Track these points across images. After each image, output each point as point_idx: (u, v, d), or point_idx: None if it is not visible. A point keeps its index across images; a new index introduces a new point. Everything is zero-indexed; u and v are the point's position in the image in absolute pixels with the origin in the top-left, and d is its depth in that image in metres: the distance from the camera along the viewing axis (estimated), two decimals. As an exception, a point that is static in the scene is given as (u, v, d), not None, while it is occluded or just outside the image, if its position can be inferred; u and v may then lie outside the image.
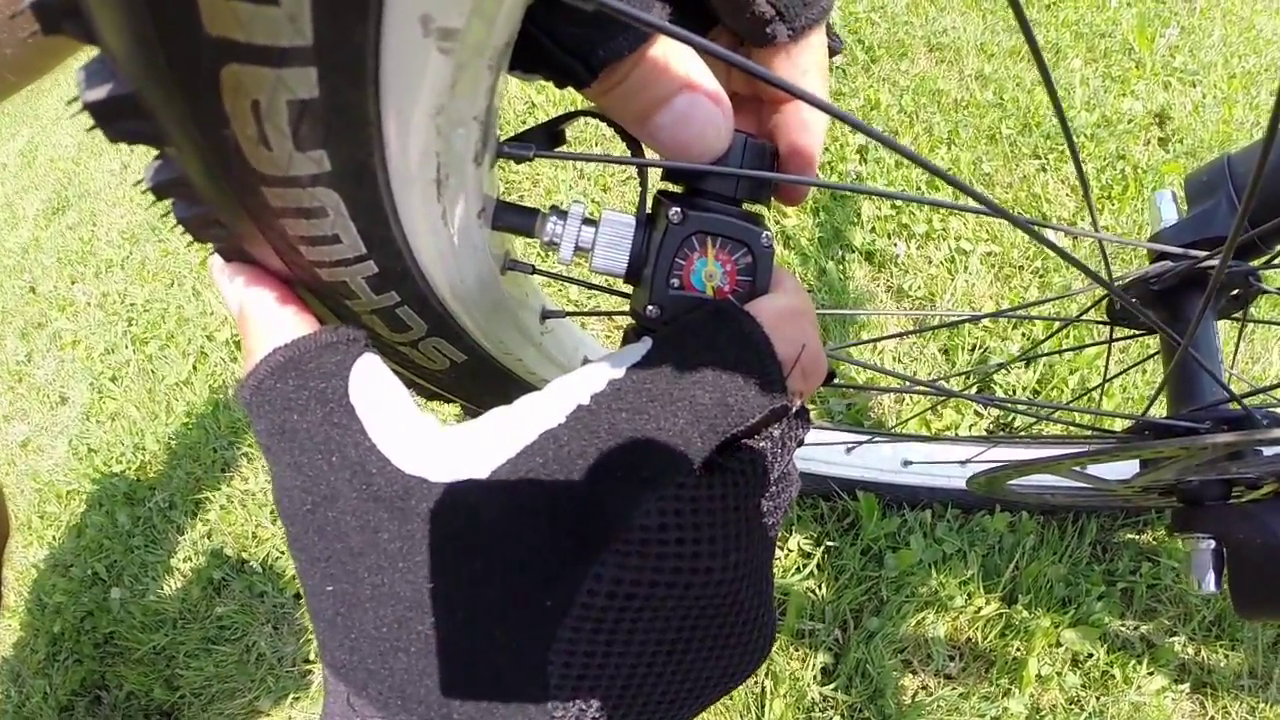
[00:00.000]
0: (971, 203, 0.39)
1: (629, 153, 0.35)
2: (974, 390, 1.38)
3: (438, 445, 0.30)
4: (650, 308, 0.34)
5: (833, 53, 0.36)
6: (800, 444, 0.32)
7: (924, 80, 1.79)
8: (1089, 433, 0.67)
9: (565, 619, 0.27)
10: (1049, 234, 1.45)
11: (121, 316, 2.01)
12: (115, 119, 0.23)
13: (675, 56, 0.30)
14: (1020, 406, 0.95)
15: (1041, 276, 1.47)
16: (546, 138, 0.36)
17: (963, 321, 1.38)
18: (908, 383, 0.63)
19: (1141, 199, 1.57)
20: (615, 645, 0.27)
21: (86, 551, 1.62)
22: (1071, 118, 1.70)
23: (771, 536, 0.31)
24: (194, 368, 1.81)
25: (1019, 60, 1.83)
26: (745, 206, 0.35)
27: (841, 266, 1.54)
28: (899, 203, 1.57)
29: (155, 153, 0.26)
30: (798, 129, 0.35)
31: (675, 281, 0.34)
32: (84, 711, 1.43)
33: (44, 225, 2.48)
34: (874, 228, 1.57)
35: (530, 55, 0.29)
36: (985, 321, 1.39)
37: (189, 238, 0.30)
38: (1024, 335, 1.40)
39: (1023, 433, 1.27)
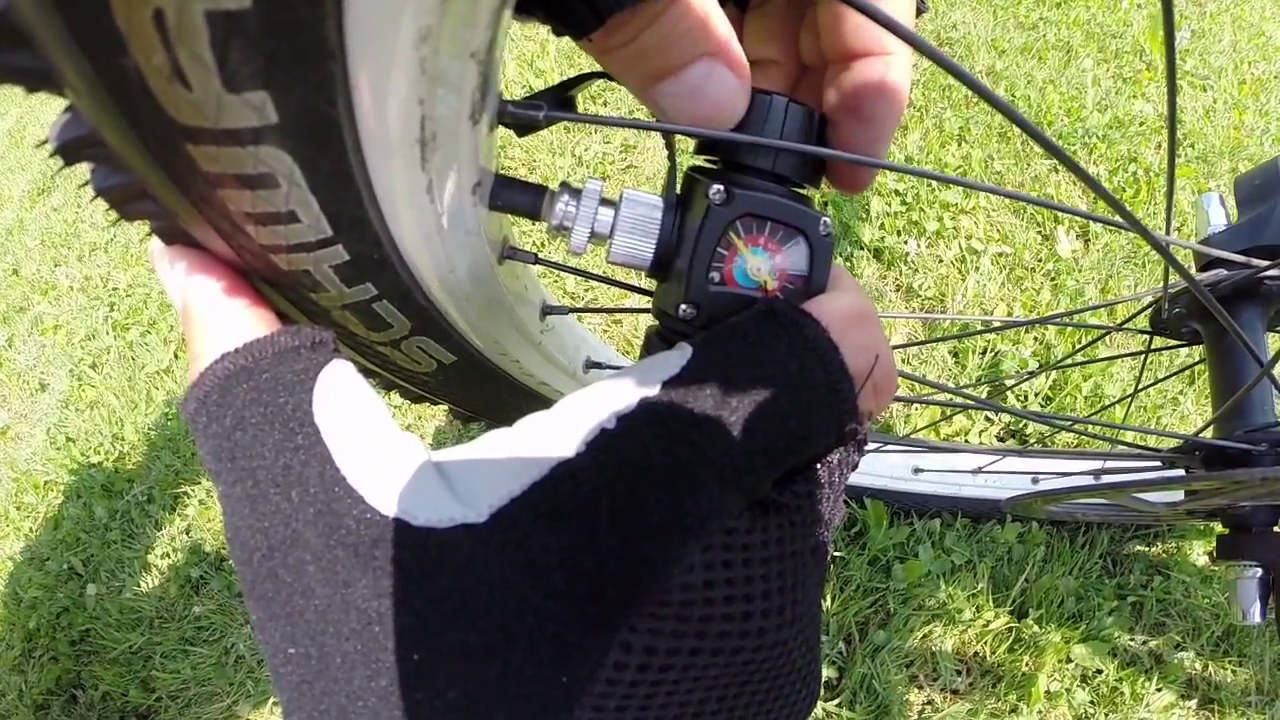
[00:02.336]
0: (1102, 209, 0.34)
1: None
2: (985, 396, 1.33)
3: (422, 478, 0.24)
4: (684, 307, 0.28)
5: (919, 12, 0.29)
6: (855, 468, 0.26)
7: (934, 75, 1.75)
8: (1127, 449, 0.63)
9: (585, 698, 0.22)
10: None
11: (104, 301, 1.95)
12: None
13: (697, 12, 0.24)
14: (1066, 423, 0.90)
15: (1053, 280, 1.43)
16: (556, 104, 0.29)
17: (1006, 327, 1.33)
18: (948, 392, 0.57)
19: (1154, 202, 1.54)
20: None
21: (63, 545, 1.57)
22: (1084, 118, 1.66)
23: (821, 575, 0.26)
24: (175, 356, 1.76)
25: (1030, 57, 1.79)
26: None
27: (849, 264, 1.49)
28: (909, 200, 1.52)
29: (65, 104, 0.20)
30: (875, 92, 0.28)
31: (715, 275, 0.28)
32: (59, 711, 1.38)
33: (29, 207, 2.42)
34: (883, 224, 1.52)
35: None
36: (997, 325, 1.35)
37: (114, 214, 0.24)
38: (1036, 340, 1.36)
39: (1043, 443, 1.22)
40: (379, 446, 0.25)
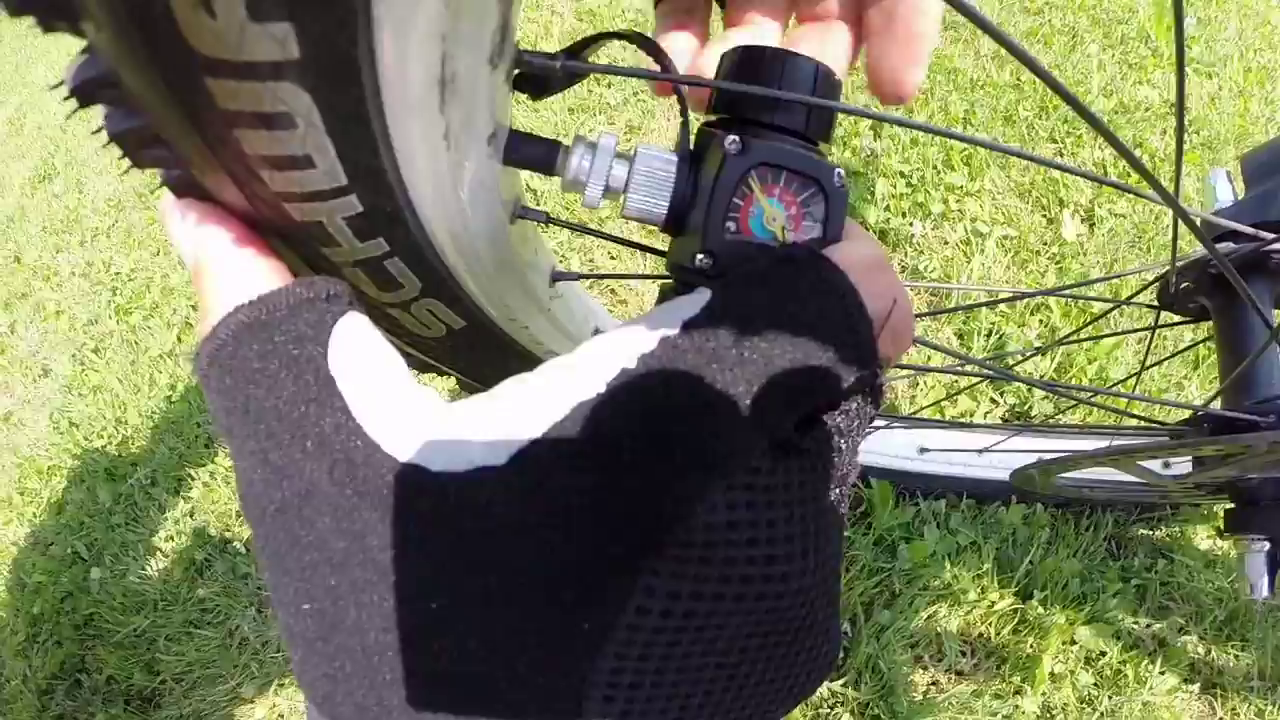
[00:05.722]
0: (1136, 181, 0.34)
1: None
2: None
3: (440, 425, 0.24)
4: (701, 257, 0.28)
5: None
6: (872, 420, 0.26)
7: (940, 58, 1.74)
8: (1135, 425, 0.63)
9: (607, 644, 0.21)
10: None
11: (106, 286, 1.95)
12: None
13: None
14: (1076, 392, 0.89)
15: (1058, 263, 1.43)
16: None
17: (1013, 299, 1.32)
18: (962, 362, 0.57)
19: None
20: (668, 674, 0.22)
21: (67, 529, 1.57)
22: (1089, 104, 1.65)
23: (841, 532, 0.25)
24: (178, 339, 1.76)
25: (1035, 43, 1.79)
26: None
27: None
28: (914, 181, 1.52)
29: (83, 45, 0.20)
30: (912, 10, 0.29)
31: (731, 225, 0.28)
32: (64, 695, 1.38)
33: (30, 194, 2.41)
34: (888, 206, 1.52)
35: None
36: (1002, 306, 1.34)
37: (127, 161, 0.23)
38: (1041, 322, 1.36)
39: (1051, 420, 1.22)
40: (395, 397, 0.24)
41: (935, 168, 1.56)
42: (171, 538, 1.48)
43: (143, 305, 1.85)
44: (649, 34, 0.31)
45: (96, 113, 0.22)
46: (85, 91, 0.21)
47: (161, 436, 1.62)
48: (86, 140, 2.50)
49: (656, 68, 0.30)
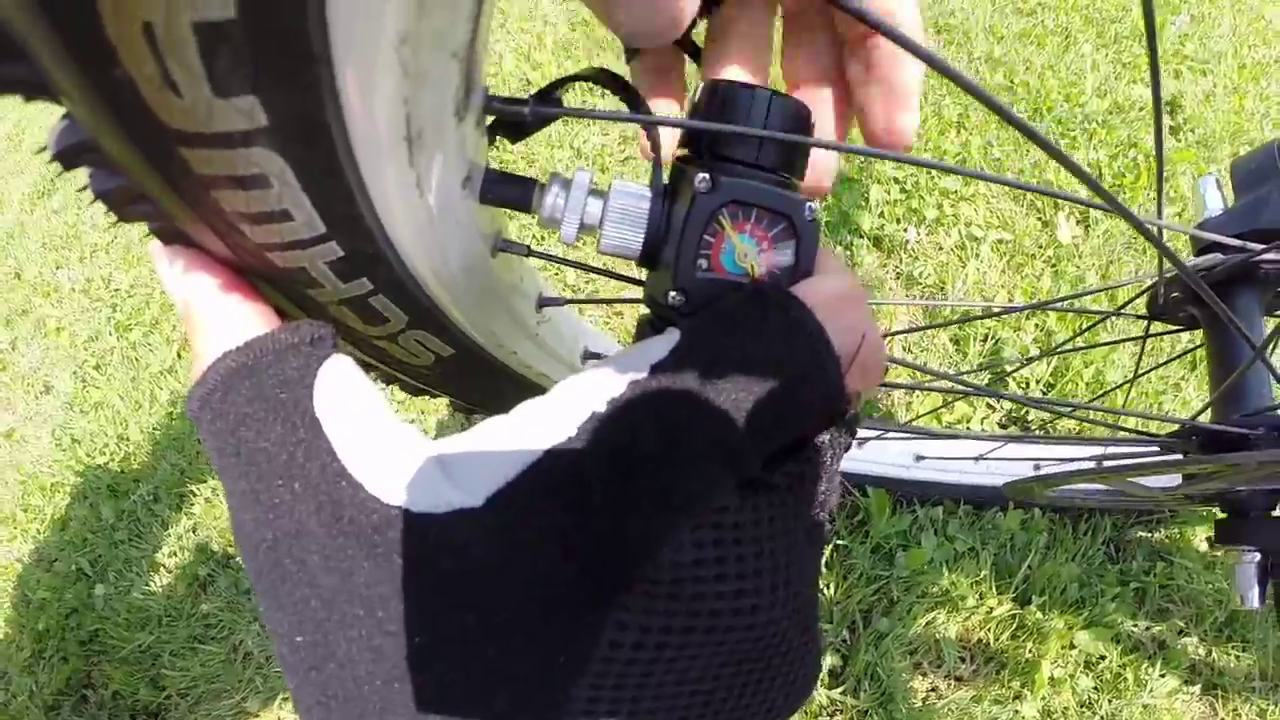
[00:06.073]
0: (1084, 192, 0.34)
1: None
2: (985, 382, 1.33)
3: (421, 468, 0.24)
4: (673, 294, 0.28)
5: None
6: (848, 449, 0.27)
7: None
8: (1128, 435, 0.63)
9: (582, 677, 0.22)
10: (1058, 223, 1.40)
11: (105, 302, 1.96)
12: None
13: None
14: (1065, 408, 0.90)
15: (1054, 266, 1.43)
16: (542, 102, 0.30)
17: (1005, 313, 1.33)
18: (953, 381, 0.58)
19: (1154, 187, 1.53)
20: (643, 702, 0.23)
21: (70, 546, 1.57)
22: (1083, 104, 1.66)
23: (817, 557, 0.27)
24: (178, 355, 1.76)
25: (1029, 43, 1.79)
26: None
27: (849, 252, 1.49)
28: (908, 187, 1.52)
29: (63, 111, 0.20)
30: (889, 62, 0.29)
31: (703, 263, 0.28)
32: (70, 711, 1.39)
33: (29, 209, 2.42)
34: (883, 212, 1.52)
35: None
36: (996, 311, 1.34)
37: (113, 216, 0.24)
38: (1037, 326, 1.36)
39: (1045, 429, 1.22)
40: (379, 438, 0.25)
41: (929, 172, 1.57)
42: (175, 553, 1.49)
43: (142, 322, 1.86)
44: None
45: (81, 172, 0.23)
46: (68, 156, 0.22)
47: (163, 453, 1.62)
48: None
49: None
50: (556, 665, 0.22)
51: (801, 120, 0.29)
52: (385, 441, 0.25)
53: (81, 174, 0.23)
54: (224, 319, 0.26)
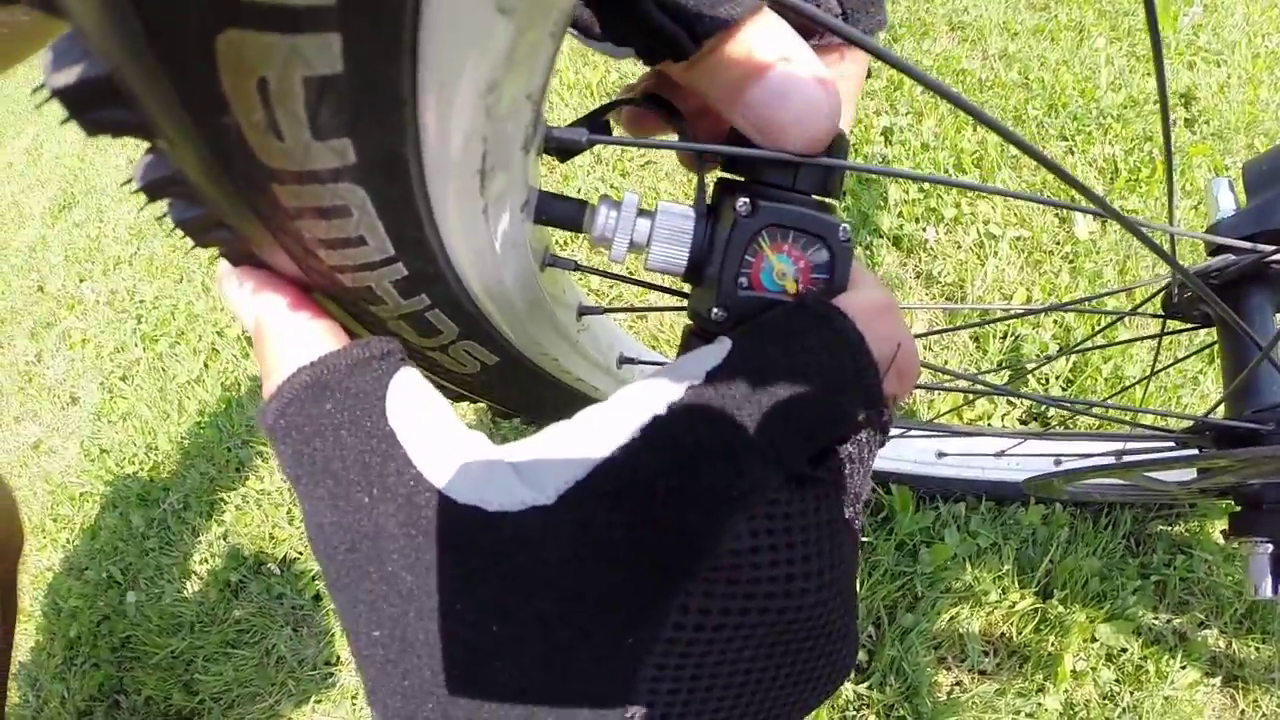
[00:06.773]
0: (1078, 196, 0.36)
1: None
2: (1006, 379, 1.34)
3: (493, 469, 0.26)
4: (716, 310, 0.30)
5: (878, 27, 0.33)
6: (882, 446, 0.29)
7: (947, 60, 1.75)
8: (1142, 430, 0.65)
9: (649, 657, 0.24)
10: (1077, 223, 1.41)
11: (130, 314, 1.98)
12: (90, 107, 0.19)
13: (774, 31, 0.27)
14: (1081, 406, 0.91)
15: (1071, 262, 1.43)
16: (593, 128, 0.32)
17: (1024, 314, 1.34)
18: (973, 381, 0.59)
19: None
20: (702, 679, 0.25)
21: (101, 554, 1.60)
22: (1098, 98, 1.66)
23: (856, 546, 0.29)
24: (205, 365, 1.79)
25: (1043, 39, 1.79)
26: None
27: (869, 252, 1.50)
28: (926, 187, 1.53)
29: (146, 145, 0.22)
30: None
31: (744, 281, 0.30)
32: (103, 716, 1.42)
33: (51, 223, 2.46)
34: (901, 211, 1.53)
35: (624, 24, 0.25)
36: (1016, 312, 1.35)
37: (190, 242, 0.26)
38: (1056, 324, 1.37)
39: (1064, 425, 1.23)
40: (450, 444, 0.27)
41: (947, 172, 1.57)
42: (205, 560, 1.51)
43: (168, 332, 1.89)
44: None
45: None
46: (154, 189, 0.23)
47: (193, 461, 1.65)
48: (105, 169, 2.54)
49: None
50: (625, 649, 0.24)
51: (840, 146, 0.31)
52: (456, 447, 0.27)
53: (162, 203, 0.24)
54: (296, 336, 0.28)
